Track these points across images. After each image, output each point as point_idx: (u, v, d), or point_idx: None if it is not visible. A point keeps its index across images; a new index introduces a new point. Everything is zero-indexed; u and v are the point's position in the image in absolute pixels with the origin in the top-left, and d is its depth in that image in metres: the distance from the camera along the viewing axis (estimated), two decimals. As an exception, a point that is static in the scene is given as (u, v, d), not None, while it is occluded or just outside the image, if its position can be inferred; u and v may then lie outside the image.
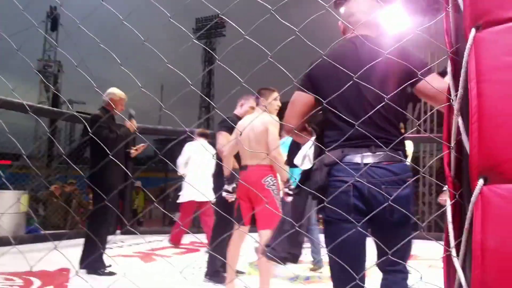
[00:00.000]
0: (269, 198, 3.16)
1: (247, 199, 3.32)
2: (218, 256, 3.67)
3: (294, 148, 1.92)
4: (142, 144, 4.67)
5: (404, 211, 1.54)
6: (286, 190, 3.17)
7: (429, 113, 9.21)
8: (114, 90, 4.26)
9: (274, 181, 3.23)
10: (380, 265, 1.76)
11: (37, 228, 6.63)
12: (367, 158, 1.60)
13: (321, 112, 1.75)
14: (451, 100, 1.26)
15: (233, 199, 3.50)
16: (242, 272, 4.09)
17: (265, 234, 3.16)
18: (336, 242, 1.55)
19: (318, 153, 1.72)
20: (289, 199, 3.16)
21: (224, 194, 3.47)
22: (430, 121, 9.91)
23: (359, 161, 1.60)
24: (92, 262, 3.91)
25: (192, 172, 4.72)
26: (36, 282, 3.60)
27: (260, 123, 3.22)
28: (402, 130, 1.72)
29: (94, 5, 1.79)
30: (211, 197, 4.34)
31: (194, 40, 1.54)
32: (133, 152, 4.56)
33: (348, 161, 1.61)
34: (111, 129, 4.05)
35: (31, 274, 3.75)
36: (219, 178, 3.85)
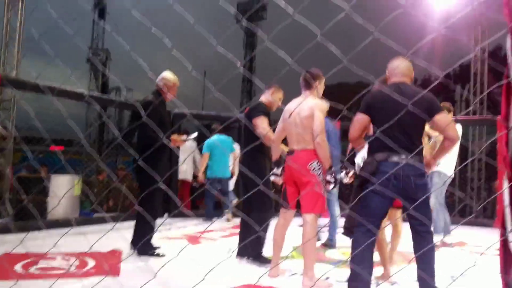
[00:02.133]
0: (315, 182, 3.16)
1: (293, 183, 3.35)
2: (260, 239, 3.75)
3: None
4: (190, 137, 4.43)
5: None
6: (328, 177, 3.17)
7: (478, 97, 8.76)
8: (168, 75, 4.15)
9: (320, 166, 3.21)
10: (411, 227, 2.72)
11: (90, 211, 6.97)
12: (402, 159, 2.59)
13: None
14: (510, 77, 1.19)
15: (281, 182, 3.54)
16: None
17: (309, 218, 3.18)
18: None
19: (370, 154, 2.73)
20: (330, 187, 3.16)
21: (272, 177, 3.52)
22: (480, 103, 9.42)
23: (397, 160, 2.60)
24: (142, 245, 4.05)
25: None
26: (91, 263, 3.79)
27: (307, 107, 3.21)
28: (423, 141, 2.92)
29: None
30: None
31: (241, 20, 1.53)
32: (178, 141, 4.20)
33: (391, 160, 2.62)
34: (162, 120, 3.95)
35: (86, 255, 3.96)
36: (258, 161, 3.86)
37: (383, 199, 2.59)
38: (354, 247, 2.67)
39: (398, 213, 3.51)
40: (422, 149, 2.71)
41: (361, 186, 2.72)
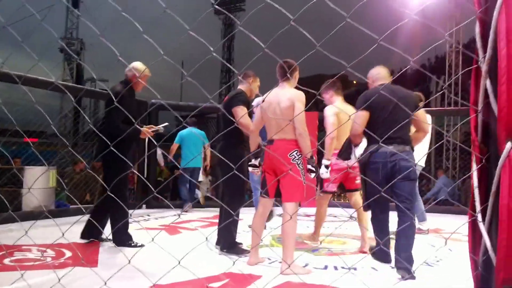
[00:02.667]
0: (295, 171, 3.20)
1: (273, 173, 3.37)
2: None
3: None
4: (159, 127, 4.30)
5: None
6: (309, 166, 3.22)
7: (446, 85, 8.96)
8: (138, 66, 4.13)
9: (300, 155, 3.25)
10: (396, 206, 3.20)
11: (64, 202, 6.85)
12: (391, 149, 3.17)
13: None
14: (479, 62, 1.22)
15: (259, 173, 3.56)
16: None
17: (289, 206, 3.21)
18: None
19: (366, 146, 3.38)
20: (312, 175, 3.20)
21: (250, 169, 3.53)
22: (455, 94, 9.64)
23: (386, 151, 3.19)
24: (119, 236, 4.04)
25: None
26: (67, 253, 3.74)
27: (287, 98, 3.24)
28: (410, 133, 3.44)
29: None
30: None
31: (216, 6, 1.52)
32: (149, 132, 4.10)
33: (380, 150, 3.20)
34: (130, 109, 3.84)
35: (62, 246, 3.90)
36: (236, 150, 3.85)
37: (378, 183, 3.00)
38: (372, 223, 3.54)
39: (354, 195, 4.24)
40: (410, 139, 3.32)
41: (364, 174, 3.33)
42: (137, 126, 3.98)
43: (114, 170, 3.81)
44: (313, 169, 3.21)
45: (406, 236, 3.16)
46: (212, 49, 1.42)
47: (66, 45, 17.24)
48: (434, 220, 5.53)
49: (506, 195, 1.09)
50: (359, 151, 3.51)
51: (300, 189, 3.24)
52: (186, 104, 8.37)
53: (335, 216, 7.01)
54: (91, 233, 4.16)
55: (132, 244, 4.09)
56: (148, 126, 4.23)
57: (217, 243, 4.00)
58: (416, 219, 4.85)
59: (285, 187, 3.26)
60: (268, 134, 3.43)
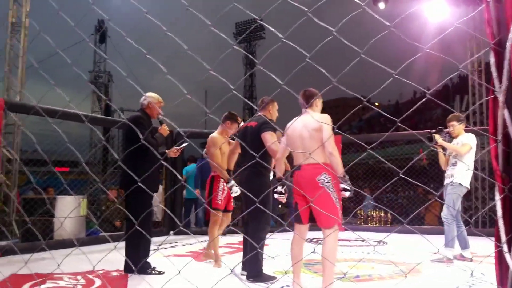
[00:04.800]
0: (325, 195, 3.15)
1: (303, 198, 3.32)
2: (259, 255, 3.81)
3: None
4: (180, 147, 4.57)
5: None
6: (343, 185, 3.13)
7: (471, 107, 8.79)
8: (153, 95, 4.37)
9: (329, 178, 3.20)
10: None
11: (97, 230, 7.00)
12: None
13: None
14: (496, 92, 1.24)
15: (284, 201, 3.57)
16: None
17: (328, 232, 3.17)
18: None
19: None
20: (347, 194, 3.12)
21: (276, 196, 3.54)
22: (480, 113, 9.44)
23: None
24: (139, 264, 3.96)
25: None
26: (97, 282, 3.81)
27: (314, 120, 3.23)
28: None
29: (138, 18, 1.90)
30: None
31: (235, 47, 1.60)
32: (174, 151, 4.51)
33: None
34: (152, 134, 4.11)
35: (92, 274, 3.98)
36: (262, 177, 3.92)
37: None
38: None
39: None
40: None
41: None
42: (162, 150, 4.27)
43: (137, 198, 3.89)
44: (348, 187, 3.10)
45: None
46: (232, 87, 1.49)
47: (94, 77, 17.88)
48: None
49: (530, 225, 1.09)
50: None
51: (335, 213, 3.15)
52: (209, 132, 8.50)
53: (363, 241, 6.88)
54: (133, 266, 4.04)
55: (153, 272, 4.13)
56: (172, 148, 4.54)
57: (243, 269, 4.00)
58: (452, 246, 4.65)
59: (319, 213, 3.14)
60: (295, 160, 3.43)
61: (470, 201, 9.80)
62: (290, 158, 3.75)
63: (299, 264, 3.44)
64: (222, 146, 4.75)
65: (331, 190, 3.19)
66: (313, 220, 3.32)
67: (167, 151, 4.51)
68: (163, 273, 4.10)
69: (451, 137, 4.91)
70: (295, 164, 3.39)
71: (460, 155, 4.66)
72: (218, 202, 4.69)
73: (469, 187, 4.73)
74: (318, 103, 3.54)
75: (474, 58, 7.81)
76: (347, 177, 3.16)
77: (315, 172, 3.20)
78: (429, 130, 5.03)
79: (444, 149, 4.84)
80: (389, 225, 9.17)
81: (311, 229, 3.58)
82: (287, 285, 3.62)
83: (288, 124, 3.48)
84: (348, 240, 6.73)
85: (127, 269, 4.13)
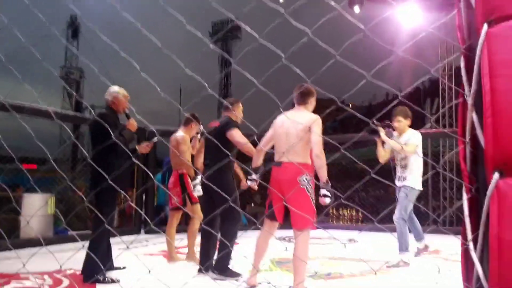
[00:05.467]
0: (304, 197, 3.12)
1: (279, 197, 3.23)
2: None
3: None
4: (150, 142, 4.45)
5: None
6: (324, 191, 3.07)
7: (440, 110, 9.07)
8: (117, 89, 4.10)
9: (309, 179, 3.16)
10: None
11: (65, 229, 6.82)
12: None
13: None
14: (465, 96, 1.28)
15: (257, 187, 3.60)
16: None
17: (301, 234, 3.14)
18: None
19: None
20: (327, 200, 3.05)
21: (249, 182, 3.57)
22: (449, 116, 9.75)
23: None
24: (90, 269, 3.67)
25: None
26: (65, 281, 3.72)
27: (304, 120, 3.20)
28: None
29: (112, 12, 1.87)
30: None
31: (210, 45, 1.59)
32: (144, 147, 4.35)
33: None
34: (120, 132, 3.87)
35: (60, 273, 3.88)
36: (225, 176, 3.97)
37: None
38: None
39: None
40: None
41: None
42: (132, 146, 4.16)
43: (107, 197, 3.75)
44: (328, 194, 3.05)
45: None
46: (207, 85, 1.48)
47: (65, 73, 17.44)
48: (432, 241, 5.50)
49: (495, 225, 1.13)
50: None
51: (311, 215, 3.13)
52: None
53: (335, 239, 6.97)
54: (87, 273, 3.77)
55: (105, 280, 3.71)
56: (142, 144, 4.40)
57: (203, 270, 3.98)
58: (405, 249, 4.49)
59: (296, 214, 3.06)
60: (276, 155, 3.39)
61: (438, 200, 10.12)
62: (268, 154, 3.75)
63: (261, 258, 3.47)
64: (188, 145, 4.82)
65: (310, 191, 3.16)
66: (287, 219, 3.29)
67: (137, 146, 4.36)
68: (118, 281, 3.71)
69: (392, 132, 4.65)
70: (276, 160, 3.35)
71: (404, 154, 4.55)
72: (196, 197, 4.69)
73: (421, 188, 4.62)
74: (313, 101, 3.48)
75: (445, 62, 8.05)
76: (329, 183, 3.11)
77: (296, 171, 3.14)
78: (373, 122, 4.46)
79: (384, 143, 4.67)
80: (360, 224, 9.35)
81: (282, 227, 3.61)
82: (266, 282, 3.63)
83: (278, 118, 3.44)
84: (320, 238, 6.81)
85: (85, 275, 3.74)
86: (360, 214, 10.05)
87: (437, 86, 9.65)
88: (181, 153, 4.68)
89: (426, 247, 4.99)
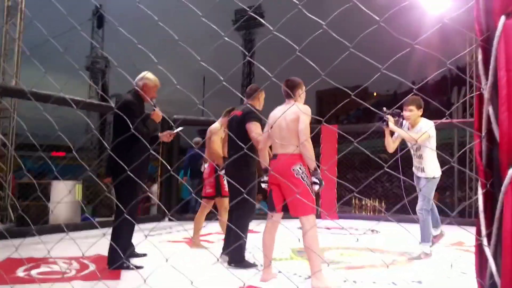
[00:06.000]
0: (300, 185, 3.20)
1: (277, 186, 3.40)
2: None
3: None
4: (176, 130, 4.39)
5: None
6: (314, 179, 3.22)
7: (456, 103, 8.80)
8: (149, 75, 3.93)
9: (304, 169, 3.26)
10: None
11: (88, 216, 7.04)
12: None
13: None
14: (482, 89, 1.25)
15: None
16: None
17: (306, 220, 3.23)
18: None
19: None
20: (317, 188, 3.21)
21: (263, 185, 3.57)
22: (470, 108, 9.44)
23: None
24: (116, 258, 3.69)
25: None
26: (91, 266, 3.86)
27: (292, 112, 3.25)
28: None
29: (135, 3, 1.90)
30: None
31: (226, 38, 1.60)
32: (167, 136, 4.15)
33: None
34: (143, 121, 3.73)
35: (86, 259, 4.02)
36: (249, 166, 3.98)
37: None
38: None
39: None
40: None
41: None
42: (155, 134, 4.07)
43: (126, 187, 3.63)
44: (318, 181, 3.20)
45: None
46: (222, 78, 1.50)
47: (91, 63, 17.77)
48: (456, 233, 5.41)
49: (509, 221, 1.11)
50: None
51: (311, 201, 3.19)
52: (206, 119, 8.52)
53: (357, 229, 6.95)
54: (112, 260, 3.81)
55: (126, 266, 3.75)
56: (164, 132, 4.21)
57: (225, 255, 4.06)
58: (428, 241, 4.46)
59: (294, 202, 3.19)
60: (273, 149, 3.50)
61: (464, 191, 9.90)
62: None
63: (270, 253, 3.49)
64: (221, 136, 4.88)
65: (306, 180, 3.24)
66: (286, 209, 3.35)
67: (160, 134, 4.19)
68: (141, 267, 3.82)
69: (402, 121, 4.51)
70: (273, 153, 3.48)
71: (418, 144, 4.41)
72: (226, 190, 4.73)
73: (440, 174, 4.47)
74: (302, 93, 3.51)
75: (472, 49, 7.77)
76: (318, 170, 3.22)
77: (289, 161, 3.25)
78: (384, 110, 4.42)
79: (392, 133, 4.52)
80: (383, 214, 9.25)
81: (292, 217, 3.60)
82: (279, 271, 3.67)
83: (271, 114, 3.55)
84: (340, 228, 6.80)
85: (109, 261, 3.79)
86: (383, 204, 9.96)
87: (465, 74, 9.36)
88: (212, 143, 4.77)
89: (441, 234, 4.86)
